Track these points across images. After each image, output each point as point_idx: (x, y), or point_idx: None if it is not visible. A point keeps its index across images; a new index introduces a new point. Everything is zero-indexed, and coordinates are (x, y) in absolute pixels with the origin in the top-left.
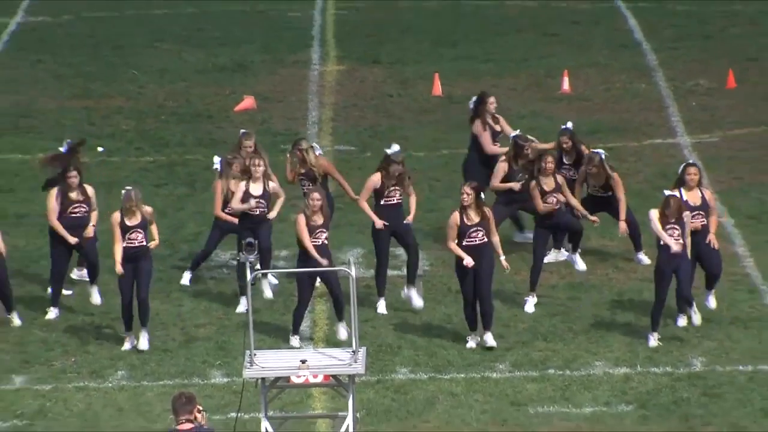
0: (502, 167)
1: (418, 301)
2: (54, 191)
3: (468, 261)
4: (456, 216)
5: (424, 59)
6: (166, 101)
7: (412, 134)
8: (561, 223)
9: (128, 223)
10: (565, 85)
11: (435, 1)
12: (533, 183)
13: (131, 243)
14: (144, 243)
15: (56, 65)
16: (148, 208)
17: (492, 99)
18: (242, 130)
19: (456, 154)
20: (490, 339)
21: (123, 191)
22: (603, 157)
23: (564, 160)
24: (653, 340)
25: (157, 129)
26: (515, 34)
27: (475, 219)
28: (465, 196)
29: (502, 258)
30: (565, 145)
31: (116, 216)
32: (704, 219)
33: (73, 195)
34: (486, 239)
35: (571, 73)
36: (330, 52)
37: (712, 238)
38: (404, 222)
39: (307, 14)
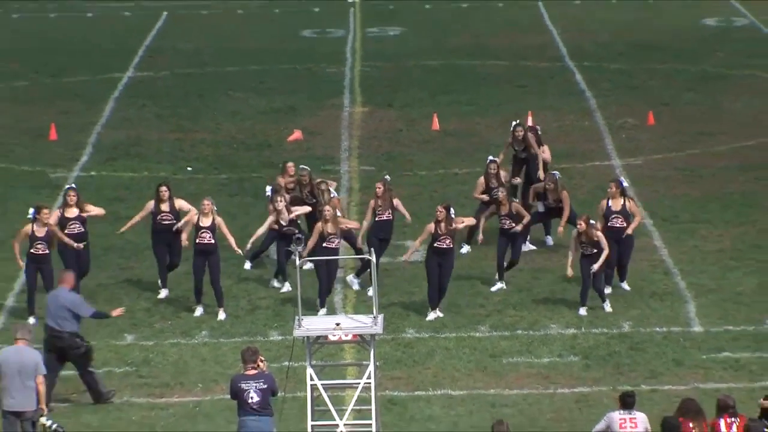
0: (480, 182)
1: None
2: (152, 201)
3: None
4: (432, 226)
5: (426, 104)
6: (237, 134)
7: (417, 158)
8: (514, 243)
9: (201, 224)
10: (529, 122)
11: (434, 61)
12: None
13: (201, 240)
14: (212, 242)
15: (157, 108)
16: (219, 218)
17: (518, 129)
18: (301, 166)
19: (449, 173)
20: (433, 315)
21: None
22: (558, 177)
23: (547, 197)
24: (583, 310)
25: (230, 154)
26: (493, 85)
27: (444, 230)
28: (438, 213)
29: (480, 237)
30: (548, 186)
31: (194, 218)
32: (624, 222)
33: (163, 206)
34: (451, 245)
35: (534, 113)
36: (357, 98)
37: (629, 230)
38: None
39: (340, 71)
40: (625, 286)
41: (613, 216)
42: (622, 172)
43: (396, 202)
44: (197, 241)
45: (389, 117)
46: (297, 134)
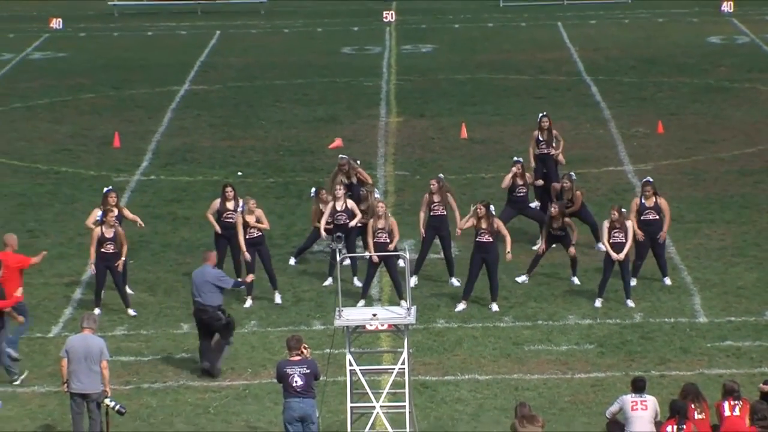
0: (508, 178)
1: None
2: (218, 199)
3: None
4: (473, 220)
5: (455, 113)
6: (283, 141)
7: (446, 164)
8: (564, 241)
9: (248, 220)
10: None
11: (463, 75)
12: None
13: (251, 235)
14: (260, 234)
15: (210, 118)
16: (259, 210)
17: (544, 119)
18: (340, 155)
19: (476, 177)
20: (495, 306)
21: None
22: (574, 177)
23: (563, 197)
24: (598, 302)
25: (277, 160)
26: (515, 97)
27: (485, 226)
28: (479, 210)
29: (509, 255)
30: (564, 185)
31: (239, 218)
32: (656, 215)
33: (229, 205)
34: (492, 239)
35: (552, 122)
36: (392, 109)
37: (663, 234)
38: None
39: (377, 84)
40: (667, 281)
41: (647, 211)
42: (633, 176)
43: (450, 198)
44: (247, 236)
45: (421, 126)
46: (337, 142)
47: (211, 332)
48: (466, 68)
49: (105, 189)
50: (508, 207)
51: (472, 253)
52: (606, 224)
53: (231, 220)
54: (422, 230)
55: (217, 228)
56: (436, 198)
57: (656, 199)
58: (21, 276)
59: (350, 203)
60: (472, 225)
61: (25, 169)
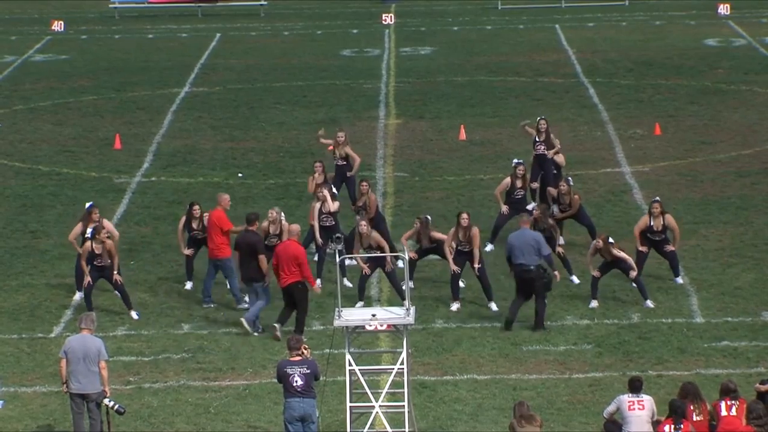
0: (505, 182)
1: None
2: (184, 217)
3: (454, 268)
4: (453, 231)
5: (454, 115)
6: (283, 143)
7: (445, 165)
8: (550, 242)
9: (271, 231)
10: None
11: (461, 78)
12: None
13: (270, 242)
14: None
15: (211, 119)
16: (286, 223)
17: (541, 122)
18: (338, 129)
19: (474, 178)
20: (493, 306)
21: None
22: (571, 182)
23: (560, 200)
24: (594, 303)
25: (277, 161)
26: (513, 99)
27: (462, 237)
28: (463, 220)
29: (476, 266)
30: (561, 189)
31: (264, 225)
32: (663, 235)
33: (194, 224)
34: (471, 249)
35: (550, 124)
36: (391, 110)
37: (669, 246)
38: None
39: (376, 86)
40: (679, 280)
41: (655, 235)
42: (631, 178)
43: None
44: (266, 242)
45: (420, 128)
46: None
47: (530, 292)
48: (465, 70)
49: (87, 205)
50: (502, 216)
51: (453, 258)
52: (591, 249)
53: (197, 237)
54: (410, 252)
55: (181, 243)
56: (424, 239)
57: (664, 219)
58: (223, 235)
59: (335, 206)
60: (452, 239)
61: (27, 171)
